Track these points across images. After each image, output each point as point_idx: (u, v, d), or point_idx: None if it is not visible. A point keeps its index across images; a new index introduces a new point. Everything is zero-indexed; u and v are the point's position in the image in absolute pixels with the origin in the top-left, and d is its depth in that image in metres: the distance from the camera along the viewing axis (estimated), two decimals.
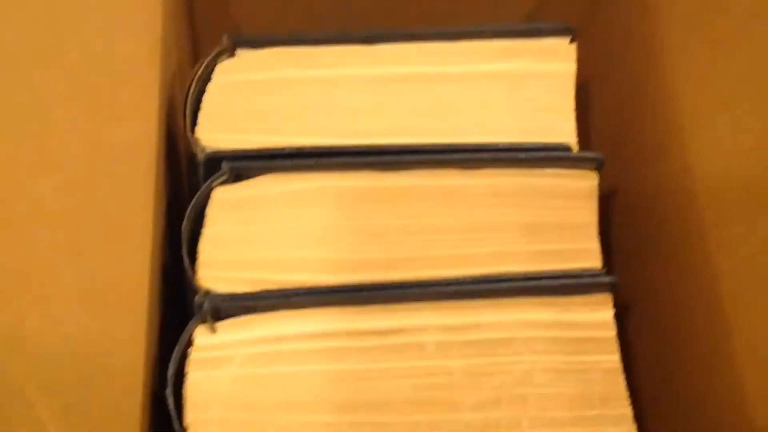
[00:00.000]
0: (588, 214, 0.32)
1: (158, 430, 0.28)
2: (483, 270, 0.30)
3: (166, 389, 0.27)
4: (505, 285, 0.30)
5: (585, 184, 0.32)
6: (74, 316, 0.25)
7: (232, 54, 0.34)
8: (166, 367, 0.28)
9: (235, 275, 0.29)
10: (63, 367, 0.25)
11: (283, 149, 0.32)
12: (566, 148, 0.33)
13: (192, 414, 0.27)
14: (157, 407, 0.28)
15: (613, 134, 0.39)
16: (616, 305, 0.30)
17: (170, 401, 0.27)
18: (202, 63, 0.33)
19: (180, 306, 0.31)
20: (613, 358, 0.29)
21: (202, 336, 0.28)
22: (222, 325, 0.28)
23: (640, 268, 0.36)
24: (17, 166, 0.23)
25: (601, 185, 0.33)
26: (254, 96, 0.33)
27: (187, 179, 0.35)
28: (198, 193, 0.30)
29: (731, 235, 0.30)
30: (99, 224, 0.28)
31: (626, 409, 0.28)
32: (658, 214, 0.35)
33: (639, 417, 0.29)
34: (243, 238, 0.30)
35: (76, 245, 0.26)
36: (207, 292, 0.29)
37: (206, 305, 0.28)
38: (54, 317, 0.24)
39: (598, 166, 0.33)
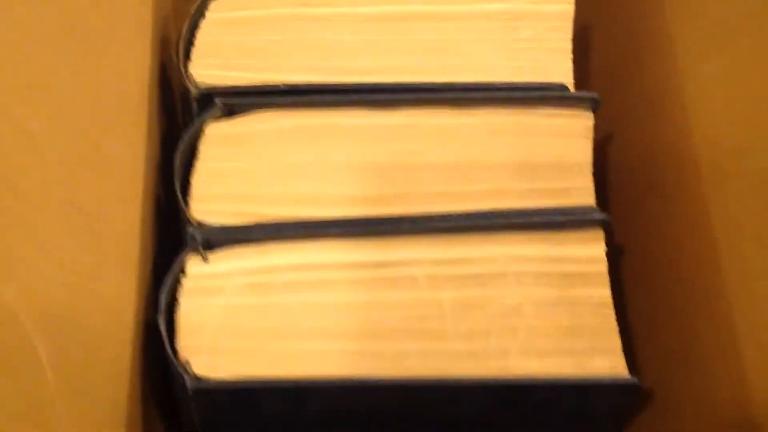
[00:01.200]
0: (582, 154, 0.32)
1: (150, 356, 0.28)
2: (475, 207, 0.30)
3: (158, 316, 0.27)
4: (496, 220, 0.30)
5: (580, 123, 0.32)
6: (66, 247, 0.25)
7: None
8: (158, 298, 0.28)
9: (227, 209, 0.29)
10: (56, 296, 0.25)
11: (276, 86, 0.32)
12: (562, 88, 0.33)
13: (184, 340, 0.27)
14: (149, 335, 0.29)
15: (612, 77, 0.39)
16: (609, 247, 0.30)
17: (162, 327, 0.27)
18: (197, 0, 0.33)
19: (173, 241, 0.31)
20: (603, 293, 0.29)
21: (194, 265, 0.28)
22: (214, 256, 0.29)
23: (635, 211, 0.36)
24: (8, 101, 0.23)
25: (597, 129, 0.33)
26: (248, 33, 0.33)
27: (182, 116, 0.35)
28: (190, 127, 0.30)
29: (726, 173, 0.30)
30: (90, 158, 0.28)
31: (615, 342, 0.28)
32: (655, 157, 0.35)
33: (628, 355, 0.29)
34: (235, 172, 0.30)
35: (68, 178, 0.26)
36: (200, 224, 0.29)
37: (199, 236, 0.28)
38: (46, 249, 0.24)
39: (594, 107, 0.32)
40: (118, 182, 0.29)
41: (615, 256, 0.31)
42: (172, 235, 0.31)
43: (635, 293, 0.34)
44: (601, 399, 0.28)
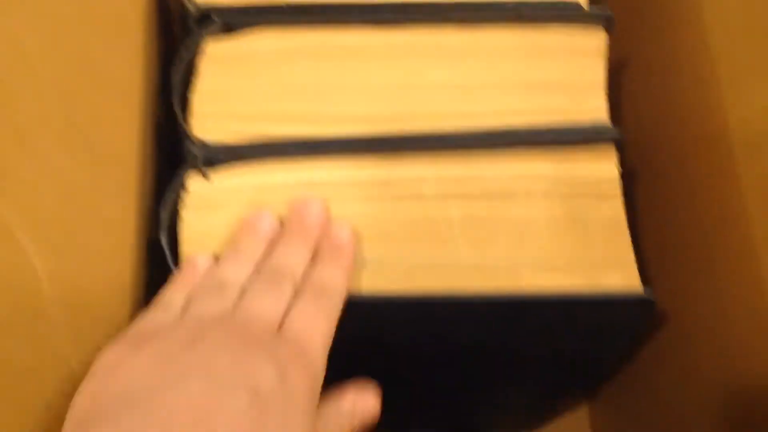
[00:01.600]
0: (595, 72, 0.31)
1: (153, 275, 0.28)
2: (484, 125, 0.29)
3: (159, 233, 0.27)
4: (505, 138, 0.28)
5: (593, 41, 0.31)
6: (62, 163, 0.25)
7: None
8: (159, 214, 0.27)
9: (227, 127, 0.29)
10: (52, 211, 0.24)
11: (277, 5, 0.31)
12: (575, 7, 0.31)
13: (187, 250, 0.27)
14: (151, 253, 0.28)
15: (629, 2, 0.37)
16: (623, 168, 0.29)
17: (164, 243, 0.26)
18: None
19: (173, 161, 0.30)
20: (616, 209, 0.28)
21: (195, 182, 0.28)
22: (216, 174, 0.28)
23: (651, 135, 0.35)
24: (2, 18, 0.22)
25: (614, 54, 0.31)
26: None
27: (181, 37, 0.34)
28: (189, 45, 0.29)
29: (746, 83, 0.29)
30: (87, 76, 0.27)
31: (628, 256, 0.27)
32: (672, 78, 0.34)
33: (642, 274, 0.28)
34: (236, 90, 0.29)
35: (64, 96, 0.25)
36: (200, 141, 0.28)
37: (199, 153, 0.27)
38: (41, 165, 0.24)
39: (608, 25, 0.31)
40: (116, 100, 0.29)
41: (628, 178, 0.30)
42: (172, 154, 0.30)
43: (649, 215, 0.33)
44: (615, 315, 0.28)
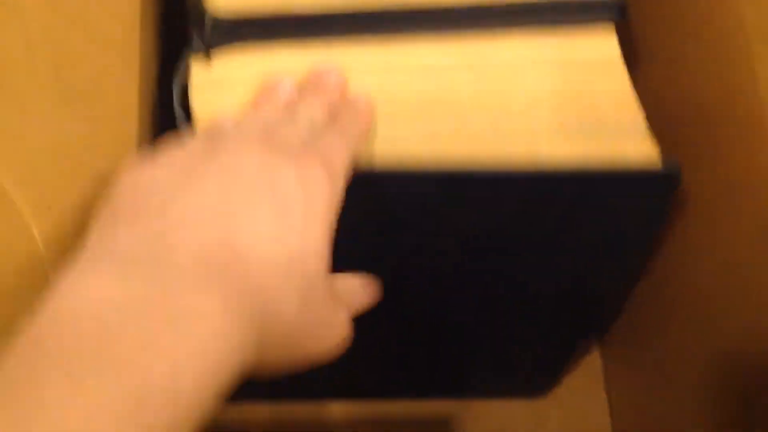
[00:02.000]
0: None
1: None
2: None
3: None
4: (506, 15, 0.28)
5: None
6: (56, 119, 0.24)
7: None
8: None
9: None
10: (45, 168, 0.23)
11: None
12: None
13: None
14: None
15: None
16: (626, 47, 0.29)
17: (177, 110, 0.27)
18: None
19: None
20: (623, 84, 0.28)
21: (198, 67, 0.28)
22: (219, 57, 0.28)
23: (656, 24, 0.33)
24: None
25: None
26: None
27: None
28: None
29: None
30: (83, 35, 0.26)
31: (641, 123, 0.27)
32: None
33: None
34: None
35: (58, 54, 0.24)
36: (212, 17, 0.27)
37: (205, 31, 0.27)
38: (34, 121, 0.23)
39: None
40: (114, 59, 0.28)
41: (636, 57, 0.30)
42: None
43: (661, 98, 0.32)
44: (638, 189, 0.27)
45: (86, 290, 0.18)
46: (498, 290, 0.33)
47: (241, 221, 0.20)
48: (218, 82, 0.27)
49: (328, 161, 0.22)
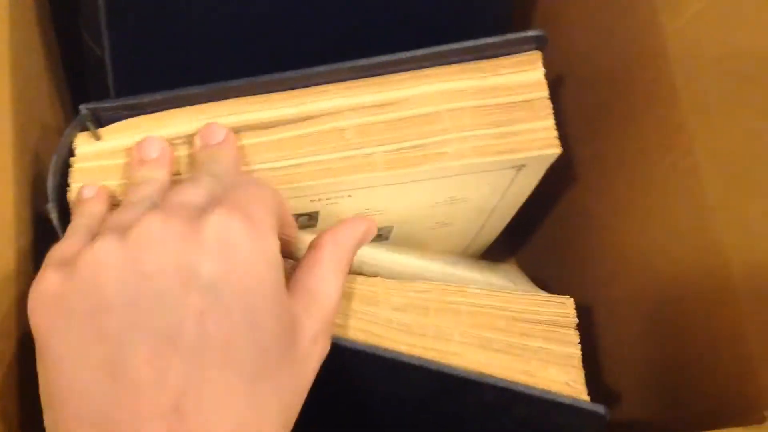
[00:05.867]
0: None
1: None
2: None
3: (47, 204, 0.24)
4: (423, 52, 0.26)
5: None
6: None
7: None
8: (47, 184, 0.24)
9: None
10: None
11: None
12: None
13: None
14: (40, 228, 0.25)
15: None
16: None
17: (53, 215, 0.23)
18: None
19: None
20: (547, 123, 0.26)
21: (84, 144, 0.25)
22: (106, 131, 0.25)
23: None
24: None
25: None
26: None
27: None
28: None
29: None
30: None
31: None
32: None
33: None
34: None
35: None
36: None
37: (85, 110, 0.24)
38: None
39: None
40: None
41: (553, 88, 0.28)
42: None
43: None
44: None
45: None
46: None
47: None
48: (102, 157, 0.25)
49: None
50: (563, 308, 0.26)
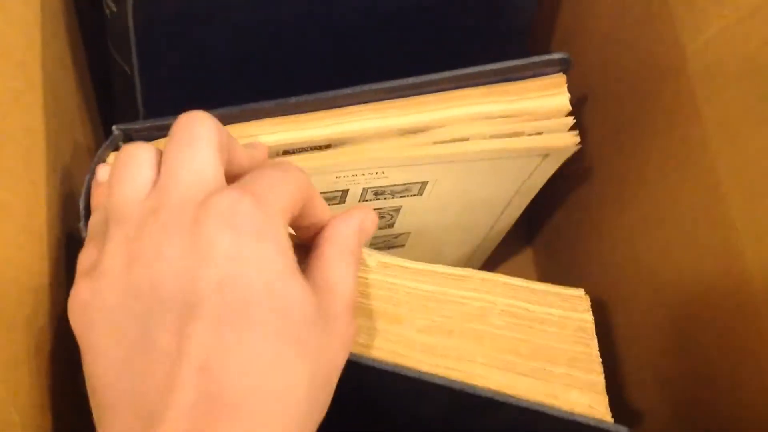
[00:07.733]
0: None
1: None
2: None
3: (79, 223, 0.24)
4: (449, 74, 0.26)
5: None
6: None
7: None
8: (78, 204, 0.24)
9: None
10: None
11: None
12: None
13: None
14: (72, 247, 0.25)
15: None
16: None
17: (85, 234, 0.24)
18: None
19: None
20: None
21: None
22: None
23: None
24: None
25: None
26: None
27: None
28: None
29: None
30: None
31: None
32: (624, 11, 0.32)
33: None
34: None
35: None
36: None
37: (117, 131, 0.25)
38: None
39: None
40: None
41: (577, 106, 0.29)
42: None
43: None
44: None
45: None
46: None
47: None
48: None
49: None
50: (584, 334, 0.27)
